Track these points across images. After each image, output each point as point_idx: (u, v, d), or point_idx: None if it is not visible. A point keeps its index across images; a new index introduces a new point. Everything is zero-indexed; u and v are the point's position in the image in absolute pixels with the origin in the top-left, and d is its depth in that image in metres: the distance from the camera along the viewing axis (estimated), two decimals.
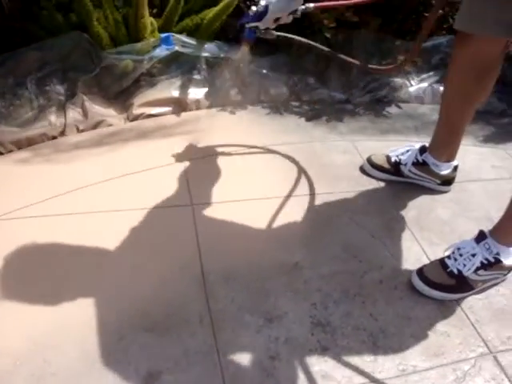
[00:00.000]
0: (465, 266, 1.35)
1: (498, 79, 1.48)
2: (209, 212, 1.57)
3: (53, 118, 1.86)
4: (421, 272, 1.38)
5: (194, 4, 2.09)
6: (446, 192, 1.77)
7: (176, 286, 1.32)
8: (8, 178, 1.66)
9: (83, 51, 1.94)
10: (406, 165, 1.74)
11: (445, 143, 1.69)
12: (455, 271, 1.36)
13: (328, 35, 2.03)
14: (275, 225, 1.55)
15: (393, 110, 2.28)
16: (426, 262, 1.45)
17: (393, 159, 1.78)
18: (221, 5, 1.98)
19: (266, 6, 1.50)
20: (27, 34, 1.99)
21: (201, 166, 1.77)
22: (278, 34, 1.63)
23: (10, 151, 1.77)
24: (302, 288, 1.35)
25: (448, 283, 1.35)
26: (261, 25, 1.55)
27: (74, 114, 1.90)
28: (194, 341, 1.19)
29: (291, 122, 2.08)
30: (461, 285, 1.36)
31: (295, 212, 1.61)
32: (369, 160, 1.82)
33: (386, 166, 1.78)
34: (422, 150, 1.73)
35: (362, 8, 2.09)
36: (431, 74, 2.40)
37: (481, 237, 1.38)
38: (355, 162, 1.86)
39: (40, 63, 1.94)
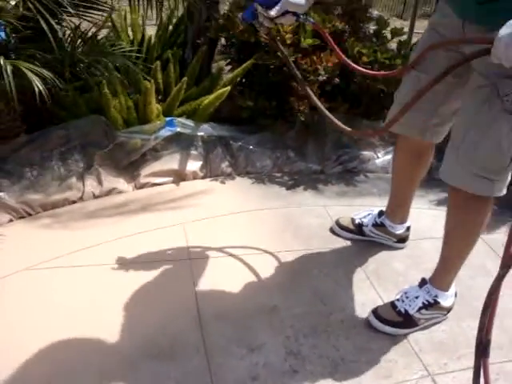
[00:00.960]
0: (410, 306, 1.69)
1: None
2: (203, 264, 1.91)
3: (73, 185, 2.23)
4: (375, 311, 1.71)
5: (192, 92, 2.53)
6: (401, 248, 2.12)
7: (178, 322, 1.64)
8: (35, 237, 2.00)
9: (100, 131, 2.33)
10: (367, 226, 2.10)
11: (397, 208, 2.06)
12: (402, 310, 1.69)
13: (303, 119, 2.44)
14: (258, 275, 1.88)
15: (361, 178, 2.67)
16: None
17: (356, 221, 2.13)
18: (214, 94, 2.42)
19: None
20: (54, 115, 2.38)
21: (198, 228, 2.12)
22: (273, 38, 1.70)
23: (38, 213, 2.12)
24: (278, 325, 1.67)
25: (397, 320, 1.68)
26: (269, 13, 1.49)
27: (90, 182, 2.27)
28: (191, 365, 1.50)
29: (273, 190, 2.46)
30: (407, 322, 1.69)
31: (275, 265, 1.95)
32: (337, 222, 2.17)
33: (351, 227, 2.13)
34: (380, 213, 2.09)
35: (331, 96, 2.52)
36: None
37: (423, 283, 1.73)
38: (326, 224, 2.22)
39: (64, 140, 2.32)
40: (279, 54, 1.67)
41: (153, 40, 3.07)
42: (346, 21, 2.58)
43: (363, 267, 1.99)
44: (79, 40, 2.28)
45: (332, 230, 2.17)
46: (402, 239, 2.11)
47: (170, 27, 3.18)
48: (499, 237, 2.30)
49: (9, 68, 1.64)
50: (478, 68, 1.38)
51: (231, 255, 1.97)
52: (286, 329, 1.66)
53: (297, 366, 1.54)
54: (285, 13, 1.50)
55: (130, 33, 3.17)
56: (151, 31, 3.21)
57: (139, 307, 1.69)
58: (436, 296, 1.69)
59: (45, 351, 1.50)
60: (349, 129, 1.68)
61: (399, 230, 2.09)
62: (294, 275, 1.91)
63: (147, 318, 1.65)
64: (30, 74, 1.67)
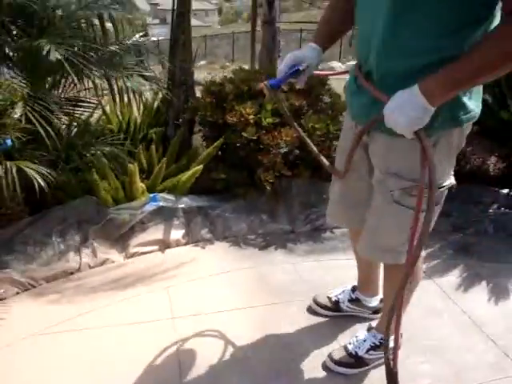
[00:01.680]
0: (359, 348, 1.98)
1: None
2: (185, 322, 2.21)
3: (71, 259, 2.55)
4: (331, 355, 1.99)
5: (172, 169, 2.90)
6: (376, 319, 2.17)
7: (162, 370, 1.93)
8: (39, 306, 2.31)
9: (93, 209, 2.68)
10: (343, 302, 2.24)
11: (366, 283, 2.23)
12: (353, 353, 1.97)
13: (268, 188, 2.80)
14: (234, 329, 2.18)
15: (327, 235, 2.99)
16: None
17: (333, 299, 2.26)
18: (190, 172, 2.80)
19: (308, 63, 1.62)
20: (53, 196, 2.73)
21: (180, 290, 2.43)
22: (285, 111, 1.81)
23: (41, 285, 2.43)
24: (249, 370, 1.96)
25: (349, 361, 1.97)
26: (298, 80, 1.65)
27: (86, 255, 2.59)
28: None
29: (248, 251, 2.78)
30: (358, 362, 1.97)
31: (249, 319, 2.24)
32: (314, 300, 2.28)
33: (329, 304, 2.26)
34: (353, 288, 2.24)
35: (294, 165, 2.89)
36: None
37: (370, 328, 2.03)
38: (294, 280, 2.53)
39: (61, 219, 2.66)
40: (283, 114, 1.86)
41: (139, 120, 3.47)
42: (305, 96, 2.97)
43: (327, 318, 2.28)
44: (74, 129, 2.67)
45: (311, 309, 2.30)
46: (377, 311, 2.23)
47: (155, 106, 3.58)
48: (451, 279, 2.61)
49: (14, 169, 2.00)
50: (376, 166, 1.65)
51: (210, 313, 2.27)
52: (256, 374, 1.94)
53: None
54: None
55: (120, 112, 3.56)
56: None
57: (132, 364, 1.97)
58: (381, 339, 1.98)
59: None
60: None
61: (373, 303, 2.24)
62: (264, 327, 2.20)
63: (139, 370, 1.94)
64: (31, 173, 2.03)
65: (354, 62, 1.69)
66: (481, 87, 1.52)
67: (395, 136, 1.41)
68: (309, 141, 1.83)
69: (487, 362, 2.04)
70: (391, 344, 1.68)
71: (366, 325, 2.11)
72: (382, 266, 2.03)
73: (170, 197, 2.79)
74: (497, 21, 1.32)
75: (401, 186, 1.56)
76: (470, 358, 2.06)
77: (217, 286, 2.48)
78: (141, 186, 2.72)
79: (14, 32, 2.46)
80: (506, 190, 3.24)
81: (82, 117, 3.00)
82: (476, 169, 3.52)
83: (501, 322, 2.30)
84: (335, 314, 2.26)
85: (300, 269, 2.63)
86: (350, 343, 2.02)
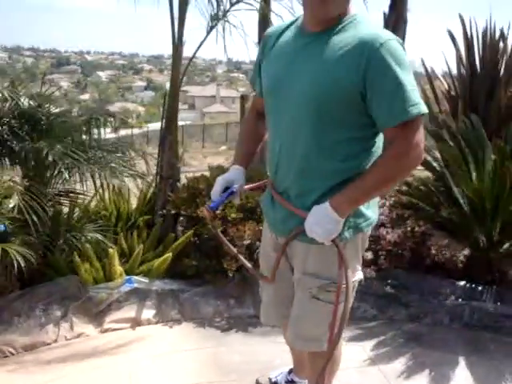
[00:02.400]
0: None
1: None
2: None
3: (50, 330, 2.87)
4: None
5: (149, 255, 3.26)
6: None
7: None
8: (15, 372, 2.61)
9: (75, 287, 3.04)
10: (280, 383, 2.41)
11: (298, 365, 2.35)
12: None
13: (231, 274, 3.12)
14: None
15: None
16: None
17: (272, 380, 2.43)
18: (161, 259, 3.16)
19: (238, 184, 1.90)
20: (42, 272, 3.10)
21: (144, 365, 2.71)
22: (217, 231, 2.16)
23: (19, 353, 2.74)
24: None
25: None
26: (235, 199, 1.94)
27: (65, 327, 2.92)
28: None
29: (210, 333, 3.07)
30: None
31: None
32: (257, 381, 2.46)
33: None
34: (290, 371, 2.41)
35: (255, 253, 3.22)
36: None
37: None
38: (247, 360, 2.77)
39: (47, 294, 3.02)
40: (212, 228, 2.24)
41: (133, 207, 3.89)
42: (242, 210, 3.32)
43: None
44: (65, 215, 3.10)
45: None
46: None
47: (148, 196, 4.00)
48: (396, 366, 2.81)
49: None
50: (295, 267, 1.90)
51: None
52: None
53: None
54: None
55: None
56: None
57: None
58: None
59: None
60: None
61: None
62: None
63: None
64: (13, 255, 2.42)
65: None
66: (377, 198, 1.88)
67: (311, 243, 1.71)
68: (242, 258, 2.13)
69: None
70: None
71: None
72: None
73: (145, 280, 3.14)
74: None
75: (318, 284, 1.79)
76: None
77: (175, 364, 2.75)
78: (119, 268, 3.08)
79: (21, 134, 2.95)
80: (462, 282, 3.47)
81: (80, 201, 3.46)
82: (436, 261, 3.78)
83: None
84: None
85: (255, 350, 2.88)
86: None
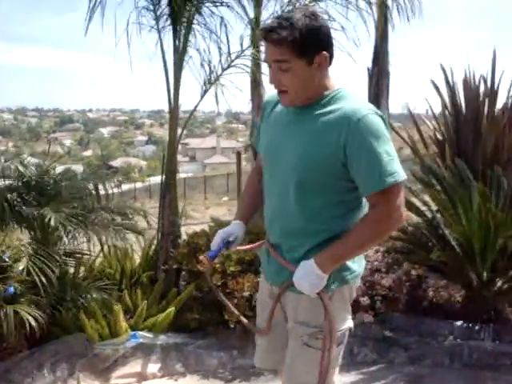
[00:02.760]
0: None
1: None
2: None
3: None
4: None
5: (153, 310, 3.37)
6: None
7: None
8: None
9: (82, 344, 3.14)
10: None
11: None
12: None
13: (232, 325, 3.22)
14: None
15: None
16: None
17: None
18: (164, 314, 3.27)
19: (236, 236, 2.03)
20: (49, 331, 3.19)
21: None
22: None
23: None
24: None
25: None
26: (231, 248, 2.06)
27: None
28: None
29: (215, 383, 3.13)
30: None
31: None
32: None
33: None
34: None
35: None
36: None
37: None
38: None
39: (54, 353, 3.12)
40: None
41: (136, 264, 4.02)
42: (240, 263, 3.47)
43: None
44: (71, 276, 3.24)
45: None
46: None
47: (151, 252, 4.14)
48: None
49: (11, 312, 2.53)
50: (288, 316, 2.00)
51: None
52: None
53: None
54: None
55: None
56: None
57: None
58: None
59: None
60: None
61: None
62: None
63: None
64: (24, 315, 2.55)
65: None
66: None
67: (301, 294, 1.82)
68: (236, 311, 2.29)
69: None
70: None
71: None
72: None
73: (149, 335, 3.24)
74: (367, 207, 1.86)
75: (308, 332, 1.89)
76: None
77: None
78: (124, 324, 3.18)
79: (29, 200, 3.13)
80: (459, 322, 3.55)
81: (86, 259, 3.60)
82: (433, 303, 3.88)
83: None
84: None
85: None
86: None
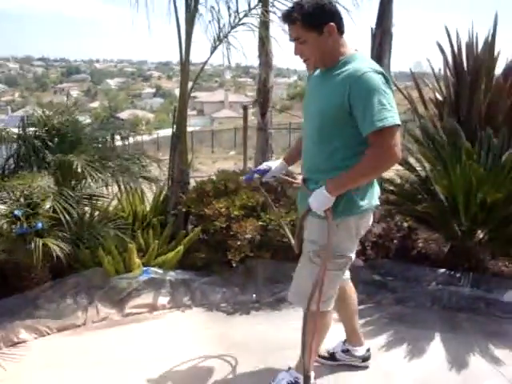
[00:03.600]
0: None
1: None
2: (156, 364, 2.92)
3: (79, 315, 3.33)
4: None
5: (164, 249, 3.72)
6: (366, 367, 2.87)
7: None
8: (51, 348, 3.07)
9: (100, 277, 3.50)
10: (337, 352, 2.87)
11: (351, 335, 2.84)
12: None
13: (234, 264, 3.56)
14: (197, 370, 2.87)
15: (285, 305, 3.65)
16: None
17: (330, 351, 2.89)
18: (173, 252, 3.62)
19: (270, 168, 2.67)
20: (71, 266, 3.56)
21: (159, 342, 3.16)
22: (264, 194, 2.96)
23: (54, 333, 3.21)
24: None
25: None
26: (263, 177, 2.69)
27: (91, 312, 3.38)
28: None
29: (217, 316, 3.52)
30: None
31: (210, 365, 2.94)
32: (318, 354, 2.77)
33: (327, 355, 2.88)
34: (344, 341, 2.88)
35: (259, 247, 3.66)
36: None
37: (289, 368, 2.65)
38: (248, 338, 3.21)
39: (75, 285, 3.48)
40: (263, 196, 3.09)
41: (147, 209, 4.35)
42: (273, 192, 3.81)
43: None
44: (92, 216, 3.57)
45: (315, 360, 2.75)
46: (365, 359, 2.86)
47: (161, 198, 4.46)
48: (379, 341, 3.22)
49: (40, 244, 2.87)
50: (304, 235, 2.44)
51: (179, 358, 2.98)
52: None
53: None
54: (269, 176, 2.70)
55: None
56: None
57: None
58: (296, 377, 2.62)
59: None
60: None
61: (360, 352, 2.85)
62: (213, 372, 2.88)
63: None
64: (52, 247, 2.89)
65: None
66: (374, 191, 2.43)
67: (314, 217, 2.33)
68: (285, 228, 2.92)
69: None
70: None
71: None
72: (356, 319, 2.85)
73: (160, 271, 3.60)
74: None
75: (314, 248, 2.37)
76: None
77: (187, 341, 3.21)
78: (137, 261, 3.54)
79: (52, 146, 3.43)
80: (442, 270, 3.88)
81: (100, 204, 3.93)
82: (421, 252, 4.21)
83: (410, 375, 2.89)
84: (332, 363, 2.89)
85: (254, 330, 3.33)
86: (271, 381, 2.65)
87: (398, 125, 2.13)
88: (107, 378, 2.81)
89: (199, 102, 63.21)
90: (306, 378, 2.42)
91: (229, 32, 4.04)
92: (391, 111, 2.11)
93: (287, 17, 2.23)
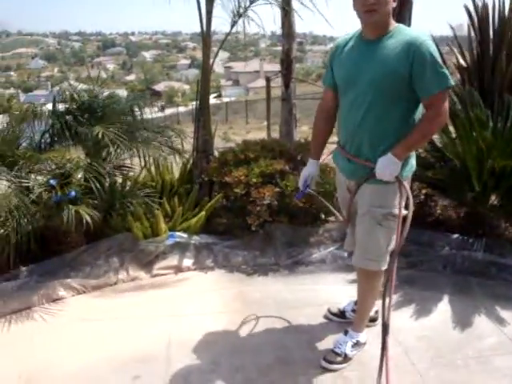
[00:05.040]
0: (344, 348, 2.75)
1: None
2: (181, 321, 3.21)
3: (111, 275, 3.65)
4: (324, 357, 2.76)
5: (189, 215, 3.97)
6: (374, 326, 3.00)
7: (153, 350, 2.93)
8: (88, 304, 3.41)
9: (129, 242, 3.80)
10: (347, 311, 3.10)
11: None
12: (340, 353, 2.76)
13: (254, 229, 3.79)
14: (219, 327, 3.15)
15: (301, 268, 3.88)
16: None
17: (341, 309, 3.12)
18: (196, 218, 3.87)
19: (309, 175, 2.81)
20: (103, 231, 3.87)
21: (184, 299, 3.46)
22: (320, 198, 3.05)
23: (89, 291, 3.54)
24: (238, 363, 2.91)
25: (338, 360, 2.72)
26: (310, 187, 2.84)
27: (122, 273, 3.69)
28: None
29: (238, 277, 3.77)
30: (345, 359, 2.72)
31: (232, 322, 3.20)
32: (328, 310, 3.16)
33: (338, 313, 3.12)
34: (355, 302, 2.98)
35: (277, 212, 3.87)
36: (331, 246, 4.04)
37: (346, 332, 2.83)
38: (265, 297, 3.46)
39: (107, 248, 3.80)
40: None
41: (176, 177, 4.60)
42: (289, 161, 4.00)
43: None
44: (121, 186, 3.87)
45: (325, 316, 3.16)
46: (373, 319, 3.01)
47: (188, 168, 4.70)
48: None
49: (73, 211, 3.17)
50: (364, 203, 2.58)
51: (202, 314, 3.28)
52: (246, 367, 2.78)
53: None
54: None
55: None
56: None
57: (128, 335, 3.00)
58: (358, 336, 2.81)
59: None
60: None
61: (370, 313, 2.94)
62: (235, 328, 3.15)
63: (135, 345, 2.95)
64: (83, 214, 3.19)
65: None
66: (414, 153, 2.62)
67: (376, 184, 2.50)
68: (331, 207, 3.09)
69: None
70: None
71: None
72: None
73: (184, 235, 3.88)
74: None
75: (383, 212, 2.54)
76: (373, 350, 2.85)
77: (209, 298, 3.49)
78: (164, 226, 3.82)
79: (82, 121, 3.70)
80: (456, 235, 4.00)
81: (132, 174, 4.22)
82: (437, 218, 4.32)
83: (414, 333, 3.07)
84: (341, 321, 3.09)
85: (272, 290, 3.57)
86: (335, 347, 2.76)
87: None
88: (134, 331, 3.12)
89: (235, 73, 62.99)
90: (386, 326, 2.55)
91: (248, 6, 4.18)
92: (448, 74, 2.38)
93: None
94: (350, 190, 2.72)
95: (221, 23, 4.34)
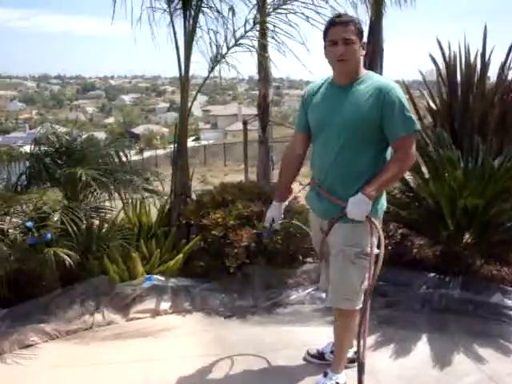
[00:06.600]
0: None
1: None
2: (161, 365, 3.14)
3: (86, 319, 3.58)
4: None
5: (166, 258, 3.96)
6: (353, 367, 2.84)
7: None
8: (60, 350, 3.32)
9: (106, 285, 3.74)
10: (326, 353, 3.07)
11: None
12: None
13: (232, 270, 3.78)
14: (194, 369, 3.09)
15: (279, 310, 3.86)
16: None
17: (320, 351, 3.10)
18: (173, 261, 3.85)
19: (275, 216, 2.92)
20: (79, 275, 3.81)
21: (162, 341, 3.39)
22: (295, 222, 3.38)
23: (62, 336, 3.46)
24: None
25: None
26: (274, 225, 2.95)
27: (98, 317, 3.62)
28: None
29: (216, 319, 3.74)
30: None
31: (207, 363, 3.15)
32: (307, 352, 3.12)
33: (317, 355, 3.09)
34: (333, 344, 2.95)
35: (254, 254, 3.87)
36: (309, 287, 4.04)
37: (325, 373, 2.81)
38: (244, 340, 3.42)
39: (83, 291, 3.73)
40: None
41: (154, 220, 4.59)
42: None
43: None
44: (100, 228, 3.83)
45: (304, 358, 3.13)
46: (352, 360, 2.93)
47: (165, 210, 4.69)
48: (367, 342, 3.35)
49: (51, 253, 3.13)
50: (337, 242, 2.63)
51: (175, 358, 3.21)
52: None
53: None
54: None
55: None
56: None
57: None
58: (337, 378, 2.79)
59: None
60: None
61: (348, 354, 2.96)
62: (209, 370, 3.10)
63: None
64: (62, 255, 3.15)
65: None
66: (384, 193, 2.70)
67: (349, 223, 2.56)
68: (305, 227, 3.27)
69: None
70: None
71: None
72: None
73: (162, 278, 3.85)
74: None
75: (355, 251, 2.59)
76: None
77: (187, 342, 3.44)
78: (141, 269, 3.79)
79: (60, 163, 3.71)
80: (433, 274, 4.05)
81: (109, 216, 4.19)
82: (413, 258, 4.38)
83: (394, 373, 3.07)
84: (321, 362, 3.06)
85: (249, 333, 3.54)
86: None
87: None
88: (109, 377, 3.04)
89: (213, 116, 63.83)
90: (362, 365, 2.57)
91: (225, 53, 4.30)
92: (415, 119, 2.57)
93: (342, 18, 2.56)
94: (323, 231, 2.77)
95: (199, 68, 4.47)
